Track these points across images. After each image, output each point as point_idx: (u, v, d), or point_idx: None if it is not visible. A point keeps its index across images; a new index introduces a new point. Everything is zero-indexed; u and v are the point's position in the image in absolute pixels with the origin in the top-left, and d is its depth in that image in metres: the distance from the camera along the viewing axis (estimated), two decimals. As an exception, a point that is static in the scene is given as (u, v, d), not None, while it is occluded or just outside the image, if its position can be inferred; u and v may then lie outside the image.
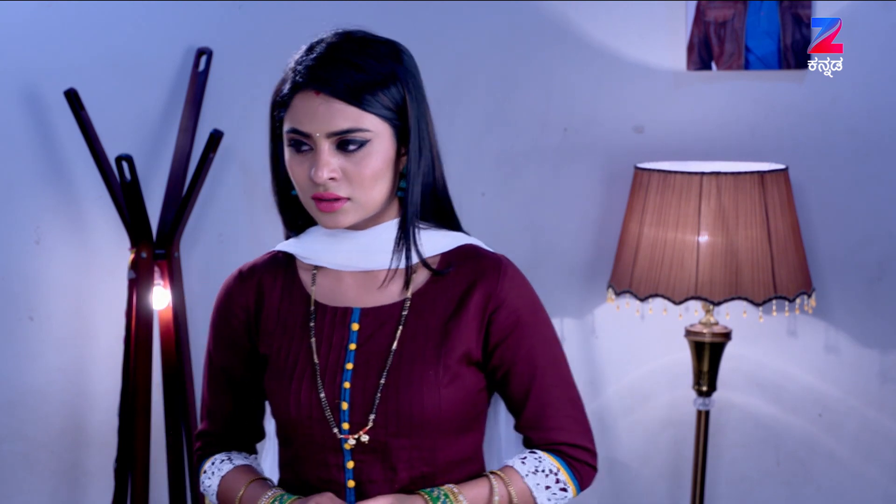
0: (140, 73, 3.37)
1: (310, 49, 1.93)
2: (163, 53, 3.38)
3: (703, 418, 3.27)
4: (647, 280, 3.13)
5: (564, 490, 1.98)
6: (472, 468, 2.00)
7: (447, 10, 3.36)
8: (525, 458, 1.98)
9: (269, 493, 1.99)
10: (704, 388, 3.25)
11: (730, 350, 3.32)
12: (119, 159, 3.11)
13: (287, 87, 1.91)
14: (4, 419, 3.44)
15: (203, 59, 3.34)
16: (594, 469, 2.02)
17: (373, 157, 1.89)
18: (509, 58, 3.39)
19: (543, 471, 1.97)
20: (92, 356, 3.44)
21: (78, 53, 3.35)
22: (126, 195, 3.17)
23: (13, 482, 3.47)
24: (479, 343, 1.96)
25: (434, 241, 1.98)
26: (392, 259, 1.95)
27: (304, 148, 1.90)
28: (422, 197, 1.96)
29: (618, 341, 3.46)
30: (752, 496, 3.46)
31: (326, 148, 1.88)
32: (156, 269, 3.24)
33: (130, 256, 3.25)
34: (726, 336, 3.23)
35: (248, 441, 2.13)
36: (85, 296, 3.42)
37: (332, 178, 1.88)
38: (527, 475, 1.96)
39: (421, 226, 1.97)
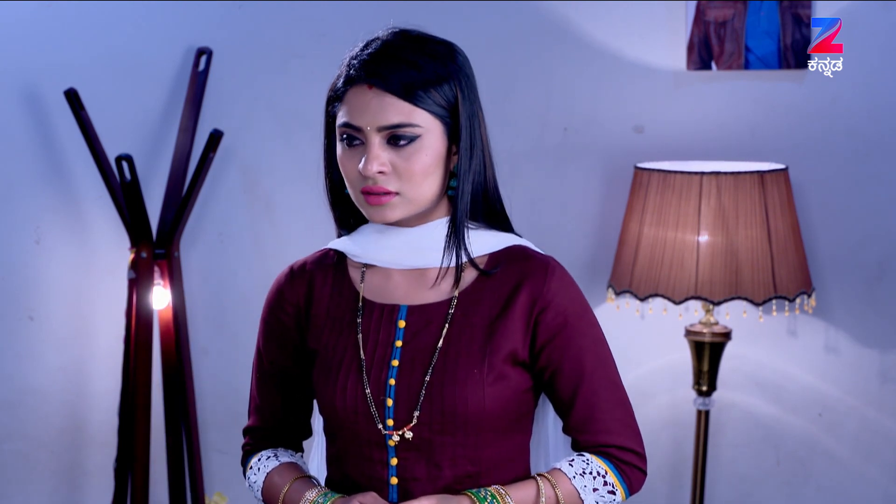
0: (140, 72, 3.37)
1: (365, 45, 1.95)
2: (163, 53, 3.38)
3: (703, 418, 3.27)
4: (647, 280, 3.13)
5: (613, 493, 1.98)
6: (517, 469, 2.00)
7: (447, 10, 3.36)
8: (573, 460, 1.97)
9: (314, 492, 1.99)
10: (704, 388, 3.25)
11: (730, 350, 3.32)
12: (119, 159, 3.11)
13: (341, 81, 1.93)
14: (4, 419, 3.44)
15: (203, 58, 3.34)
16: (644, 473, 2.03)
17: (423, 152, 1.90)
18: (509, 57, 3.39)
19: (591, 473, 1.96)
20: (92, 356, 3.44)
21: (78, 53, 3.35)
22: (126, 195, 3.17)
23: (13, 482, 3.47)
24: (526, 343, 1.96)
25: (483, 241, 1.99)
26: (443, 258, 1.96)
27: (356, 142, 1.91)
28: (472, 196, 1.96)
29: (618, 341, 3.40)
30: (752, 496, 3.46)
31: (377, 142, 1.90)
32: (156, 268, 3.25)
33: (130, 256, 3.25)
34: (726, 336, 3.23)
35: (295, 437, 2.13)
36: (85, 295, 3.42)
37: (381, 172, 1.90)
38: (574, 477, 1.96)
39: (470, 225, 1.98)
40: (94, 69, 3.35)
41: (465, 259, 1.96)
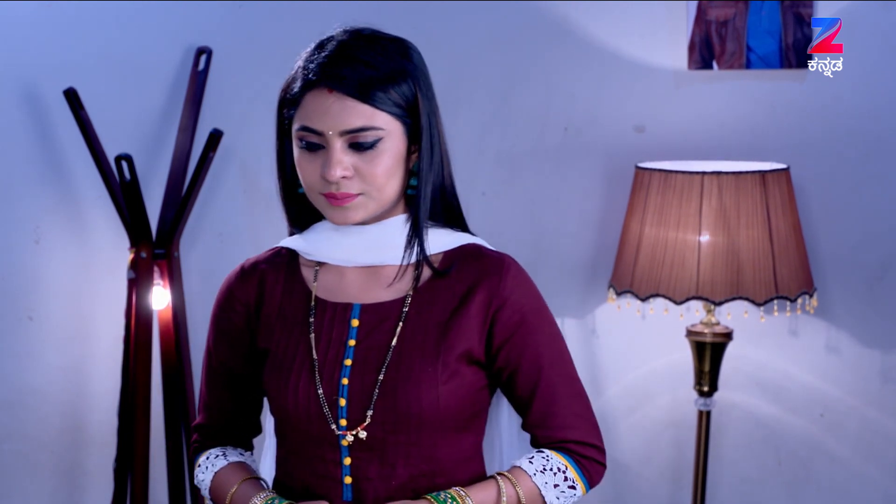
0: (140, 72, 3.37)
1: (320, 47, 1.92)
2: (162, 53, 3.37)
3: (705, 418, 3.26)
4: (648, 280, 3.12)
5: (573, 488, 1.97)
6: (473, 468, 1.99)
7: (448, 10, 3.36)
8: (532, 457, 1.97)
9: (262, 495, 1.97)
10: (705, 389, 3.24)
11: (731, 350, 3.32)
12: (119, 159, 3.10)
13: (298, 84, 1.91)
14: (4, 419, 3.43)
15: (203, 58, 3.34)
16: (603, 466, 2.01)
17: (385, 155, 1.89)
18: (510, 57, 3.39)
19: (551, 469, 1.95)
20: (91, 356, 3.44)
21: (77, 53, 3.35)
22: (125, 195, 3.17)
23: (13, 482, 3.46)
24: (482, 342, 1.95)
25: (438, 240, 1.98)
26: (404, 255, 1.95)
27: (315, 146, 1.90)
28: (435, 194, 1.96)
29: (619, 341, 3.45)
30: (754, 496, 3.45)
31: (339, 146, 1.88)
32: (155, 268, 3.24)
33: (130, 256, 3.25)
34: (727, 336, 3.22)
35: (244, 436, 2.12)
36: (84, 296, 3.42)
37: (344, 177, 1.88)
38: (534, 474, 1.95)
39: (426, 224, 1.97)
40: (93, 69, 3.34)
41: (425, 257, 1.95)
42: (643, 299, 3.13)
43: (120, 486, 3.30)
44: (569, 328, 3.43)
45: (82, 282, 3.42)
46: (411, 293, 1.96)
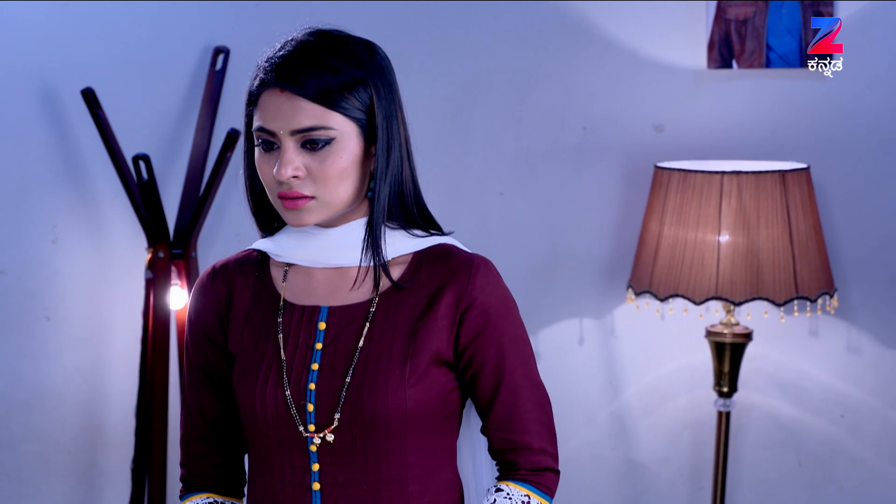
0: (157, 71, 3.37)
1: (280, 47, 1.93)
2: (180, 52, 3.37)
3: (724, 419, 3.25)
4: (667, 280, 3.11)
5: None
6: (445, 474, 1.97)
7: (465, 10, 3.35)
8: (494, 501, 1.95)
9: None
10: (725, 389, 3.23)
11: (751, 351, 3.30)
12: (136, 158, 3.10)
13: (255, 84, 1.91)
14: (21, 419, 3.44)
15: (220, 57, 3.34)
16: (557, 473, 1.99)
17: (338, 155, 1.88)
18: (528, 56, 3.38)
19: None
20: (109, 356, 3.44)
21: (95, 52, 3.35)
22: (143, 195, 3.16)
23: (30, 483, 3.47)
24: (451, 343, 1.93)
25: (404, 242, 1.96)
26: (361, 258, 1.93)
27: (271, 146, 1.89)
28: (394, 196, 1.94)
29: (637, 342, 3.44)
30: (774, 498, 3.44)
31: (291, 146, 1.87)
32: (173, 268, 3.24)
33: (147, 256, 3.24)
34: (747, 336, 3.21)
35: (236, 447, 2.06)
36: (102, 296, 3.42)
37: (295, 177, 1.87)
38: None
39: (390, 225, 1.95)
40: (110, 68, 3.35)
41: (382, 261, 1.93)
42: (662, 299, 3.12)
43: (137, 486, 3.30)
44: (587, 328, 3.43)
45: (100, 282, 3.42)
46: (377, 295, 1.94)
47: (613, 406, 3.44)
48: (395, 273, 1.95)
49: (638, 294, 3.19)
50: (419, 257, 1.96)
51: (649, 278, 3.15)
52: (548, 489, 1.97)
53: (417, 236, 1.97)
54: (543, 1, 3.35)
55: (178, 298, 3.25)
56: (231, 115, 3.35)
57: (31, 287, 3.41)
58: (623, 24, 3.35)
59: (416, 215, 1.97)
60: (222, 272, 2.02)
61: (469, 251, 1.98)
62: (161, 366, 3.23)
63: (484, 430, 1.98)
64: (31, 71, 3.35)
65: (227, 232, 3.44)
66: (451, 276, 1.93)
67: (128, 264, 3.40)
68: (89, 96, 3.19)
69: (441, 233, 2.00)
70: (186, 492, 2.06)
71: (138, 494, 3.30)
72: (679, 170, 3.13)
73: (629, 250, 3.36)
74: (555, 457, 1.98)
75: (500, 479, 1.97)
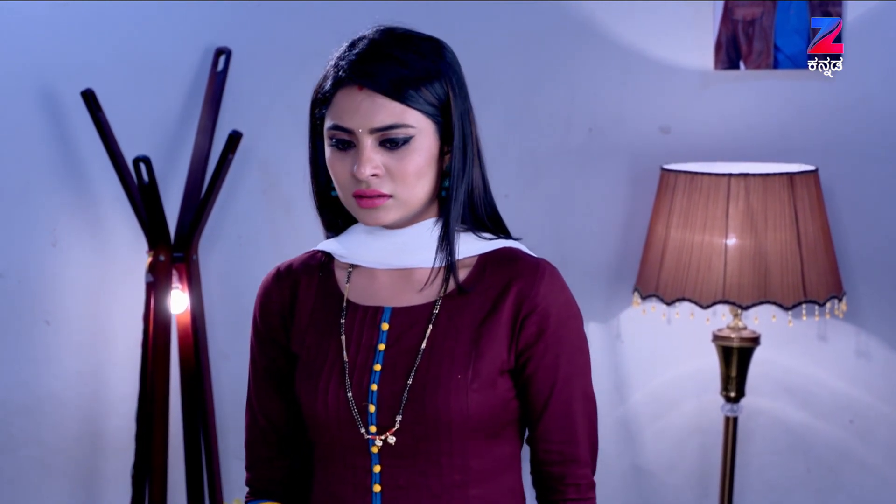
0: (158, 73, 3.37)
1: (352, 45, 1.91)
2: (181, 53, 3.37)
3: (731, 425, 3.23)
4: (673, 283, 3.10)
5: None
6: (508, 481, 1.96)
7: (471, 10, 3.34)
8: None
9: None
10: (732, 394, 3.22)
11: (758, 355, 3.29)
12: (137, 161, 3.10)
13: (329, 83, 1.90)
14: (21, 424, 3.43)
15: (222, 58, 3.33)
16: (594, 486, 1.98)
17: (416, 153, 1.88)
18: (534, 57, 3.37)
19: None
20: (109, 361, 3.44)
21: (95, 53, 3.35)
22: (143, 197, 3.16)
23: (30, 488, 3.47)
24: (511, 348, 1.92)
25: (472, 244, 1.96)
26: (435, 258, 1.93)
27: (346, 145, 1.89)
28: (465, 197, 1.94)
29: (644, 346, 3.43)
30: (781, 504, 3.43)
31: (369, 144, 1.87)
32: (174, 272, 3.23)
33: (148, 259, 3.24)
34: (755, 341, 3.19)
35: (299, 450, 2.05)
36: (102, 299, 3.42)
37: (374, 175, 1.87)
38: None
39: (459, 227, 1.95)
40: (111, 69, 3.35)
41: (454, 262, 1.93)
42: (669, 303, 3.10)
43: (138, 492, 3.30)
44: (593, 332, 3.41)
45: (100, 285, 3.41)
46: (442, 297, 1.93)
47: (619, 411, 3.43)
48: (461, 275, 1.95)
49: (644, 298, 3.18)
50: (484, 260, 1.96)
51: (656, 282, 3.14)
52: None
53: (485, 239, 1.97)
54: (549, 1, 3.34)
55: (179, 302, 3.24)
56: (233, 116, 3.35)
57: (31, 290, 3.41)
58: (629, 25, 3.33)
59: (485, 217, 1.98)
60: (286, 273, 2.02)
61: (535, 255, 1.98)
62: (162, 370, 3.23)
63: (530, 440, 1.97)
64: (31, 72, 3.35)
65: (229, 235, 3.43)
66: (514, 281, 1.93)
67: (128, 267, 3.40)
68: (90, 98, 3.18)
69: (509, 237, 2.00)
70: (253, 498, 2.06)
71: (139, 500, 3.30)
72: (686, 172, 3.12)
73: (635, 253, 3.35)
74: (595, 470, 1.97)
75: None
